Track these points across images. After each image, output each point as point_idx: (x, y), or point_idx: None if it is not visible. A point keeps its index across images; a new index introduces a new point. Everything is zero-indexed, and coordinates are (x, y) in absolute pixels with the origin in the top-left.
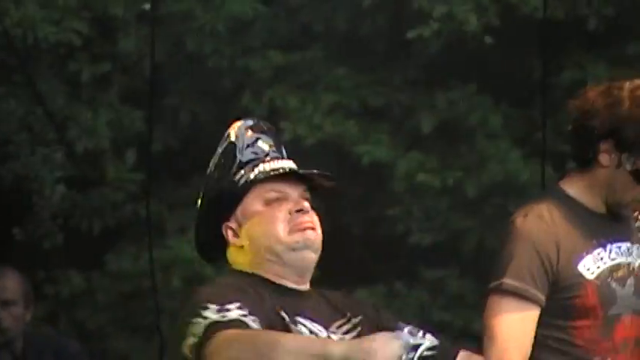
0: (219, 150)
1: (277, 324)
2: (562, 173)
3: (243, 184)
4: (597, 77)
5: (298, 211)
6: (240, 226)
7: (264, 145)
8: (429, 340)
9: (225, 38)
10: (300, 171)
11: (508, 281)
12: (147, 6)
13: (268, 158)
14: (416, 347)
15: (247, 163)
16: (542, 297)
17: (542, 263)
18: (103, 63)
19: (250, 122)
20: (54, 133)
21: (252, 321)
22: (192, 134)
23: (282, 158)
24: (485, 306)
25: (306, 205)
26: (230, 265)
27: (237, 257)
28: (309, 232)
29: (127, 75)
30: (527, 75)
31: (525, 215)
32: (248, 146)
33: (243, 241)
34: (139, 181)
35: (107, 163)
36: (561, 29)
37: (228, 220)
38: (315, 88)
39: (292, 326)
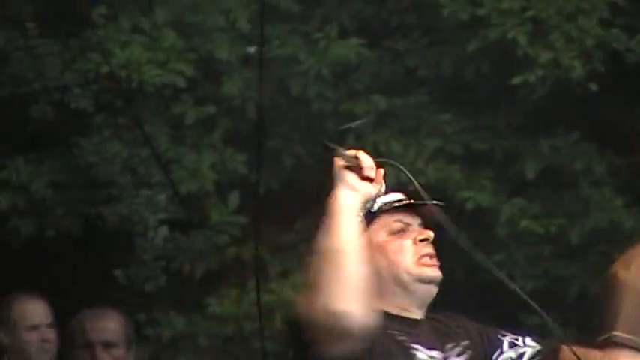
0: None
1: (398, 351)
2: None
3: (368, 215)
4: None
5: (422, 240)
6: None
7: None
8: (530, 347)
9: (329, 82)
10: (422, 202)
11: (619, 334)
12: (252, 49)
13: (388, 191)
14: (520, 356)
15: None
16: None
17: None
18: (207, 105)
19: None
20: (158, 175)
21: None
22: (295, 178)
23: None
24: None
25: (431, 234)
26: None
27: None
28: (434, 269)
29: (231, 118)
30: (631, 123)
31: (627, 267)
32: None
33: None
34: (241, 224)
35: (210, 206)
36: None
37: None
38: (418, 133)
39: (411, 351)
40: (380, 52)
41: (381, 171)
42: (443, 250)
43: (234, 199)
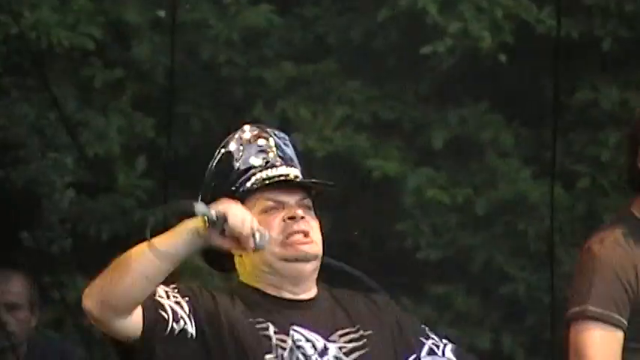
0: (216, 158)
1: (255, 335)
2: (632, 198)
3: (240, 193)
4: (610, 99)
5: (291, 218)
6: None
7: (265, 152)
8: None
9: (239, 48)
10: (296, 179)
11: (592, 308)
12: (162, 13)
13: (268, 165)
14: None
15: (245, 171)
16: (625, 322)
17: (624, 289)
18: (116, 69)
19: (252, 128)
20: (65, 138)
21: (179, 308)
22: (204, 142)
23: (286, 165)
24: (569, 332)
25: (299, 212)
26: (238, 276)
27: (240, 268)
28: (303, 247)
29: (140, 82)
30: (539, 94)
31: (602, 241)
32: (247, 153)
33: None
34: (148, 188)
35: (118, 170)
36: (576, 49)
37: None
38: (327, 101)
39: (282, 336)
40: (290, 19)
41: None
42: (344, 220)
43: (141, 162)
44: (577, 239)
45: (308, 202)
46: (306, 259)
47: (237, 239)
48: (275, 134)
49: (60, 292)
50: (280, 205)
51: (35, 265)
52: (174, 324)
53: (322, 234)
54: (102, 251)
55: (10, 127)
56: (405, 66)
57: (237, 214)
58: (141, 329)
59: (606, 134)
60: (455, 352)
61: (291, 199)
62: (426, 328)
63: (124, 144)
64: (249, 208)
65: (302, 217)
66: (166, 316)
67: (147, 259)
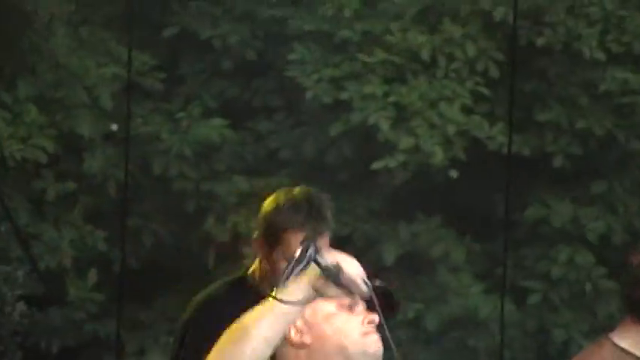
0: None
1: None
2: (615, 323)
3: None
4: (561, 215)
5: (370, 322)
6: (306, 324)
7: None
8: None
9: (191, 161)
10: (372, 284)
11: None
12: (114, 126)
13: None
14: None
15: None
16: None
17: None
18: (68, 182)
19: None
20: (17, 250)
21: None
22: (155, 256)
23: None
24: None
25: (377, 319)
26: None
27: (292, 355)
28: (380, 344)
29: (92, 195)
30: (491, 210)
31: None
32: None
33: (309, 339)
34: (100, 301)
35: (69, 283)
36: (527, 165)
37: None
38: None
39: None
40: (243, 133)
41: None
42: None
43: (92, 275)
44: (527, 355)
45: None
46: (379, 355)
47: (349, 288)
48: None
49: None
50: (355, 305)
51: None
52: None
53: None
54: None
55: None
56: (357, 181)
57: (350, 263)
58: None
59: (557, 250)
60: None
61: (360, 302)
62: None
63: (76, 256)
64: (324, 301)
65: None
66: None
67: (267, 320)
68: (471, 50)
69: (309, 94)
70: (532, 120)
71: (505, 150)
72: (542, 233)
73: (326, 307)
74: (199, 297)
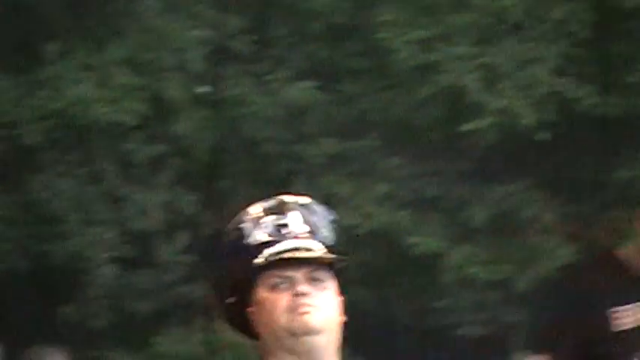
0: (229, 233)
1: None
2: None
3: (251, 271)
4: None
5: (298, 294)
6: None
7: (276, 226)
8: None
9: (280, 124)
10: (299, 255)
11: None
12: (203, 89)
13: (276, 240)
14: None
15: (255, 247)
16: None
17: None
18: (157, 144)
19: (267, 202)
20: (107, 213)
21: None
22: None
23: (297, 237)
24: None
25: (304, 288)
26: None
27: (259, 344)
28: (307, 317)
29: (181, 157)
30: (581, 172)
31: None
32: (257, 229)
33: (258, 328)
34: (189, 263)
35: (159, 245)
36: (618, 127)
37: (250, 305)
38: (368, 177)
39: None
40: (332, 96)
41: None
42: (387, 296)
43: (182, 238)
44: None
45: (319, 274)
46: (314, 330)
47: None
48: (295, 204)
49: None
50: (287, 280)
51: (77, 340)
52: None
53: (345, 305)
54: (143, 326)
55: (52, 201)
56: (446, 143)
57: None
58: None
59: None
60: None
61: (297, 273)
62: None
63: (166, 219)
64: (261, 286)
65: (306, 293)
66: None
67: None
68: (561, 12)
69: (398, 56)
70: (623, 81)
71: (596, 111)
72: (632, 195)
73: (261, 292)
74: None
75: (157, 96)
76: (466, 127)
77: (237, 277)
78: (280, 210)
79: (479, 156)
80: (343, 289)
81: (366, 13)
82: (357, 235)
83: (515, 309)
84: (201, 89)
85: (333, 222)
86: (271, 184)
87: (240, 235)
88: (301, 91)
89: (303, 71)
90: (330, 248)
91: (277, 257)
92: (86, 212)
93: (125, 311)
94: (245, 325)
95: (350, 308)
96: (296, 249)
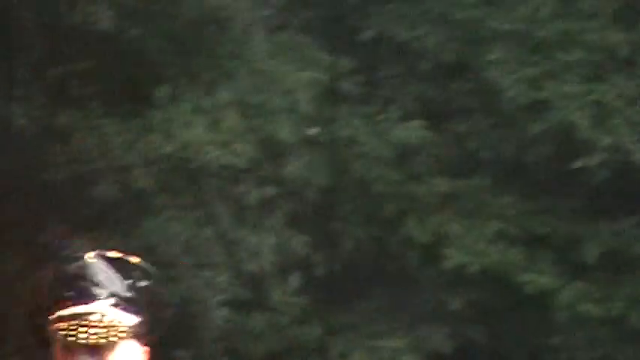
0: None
1: None
2: None
3: (49, 331)
4: None
5: None
6: None
7: (75, 283)
8: None
9: (390, 164)
10: (81, 338)
11: None
12: (313, 131)
13: (74, 297)
14: None
15: (55, 304)
16: None
17: None
18: (268, 186)
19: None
20: (219, 255)
21: None
22: (356, 259)
23: (92, 299)
24: None
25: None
26: None
27: None
28: None
29: (292, 199)
30: None
31: None
32: (57, 285)
33: None
34: (302, 305)
35: (271, 287)
36: None
37: None
38: (479, 216)
39: None
40: (442, 135)
41: None
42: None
43: (294, 279)
44: None
45: (105, 347)
46: None
47: None
48: (100, 259)
49: None
50: (72, 345)
51: None
52: None
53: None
54: None
55: (164, 245)
56: (556, 180)
57: None
58: None
59: None
60: None
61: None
62: None
63: (277, 261)
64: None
65: None
66: None
67: None
68: None
69: (507, 94)
70: None
71: None
72: None
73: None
74: None
75: (267, 138)
76: (577, 164)
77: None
78: (82, 266)
79: (590, 193)
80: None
81: (474, 52)
82: (469, 274)
83: (629, 346)
84: (312, 130)
85: (140, 283)
86: (382, 224)
87: (53, 285)
88: (411, 131)
89: (412, 111)
90: (126, 308)
91: (66, 327)
92: (198, 255)
93: (239, 354)
94: None
95: (463, 346)
96: (89, 318)
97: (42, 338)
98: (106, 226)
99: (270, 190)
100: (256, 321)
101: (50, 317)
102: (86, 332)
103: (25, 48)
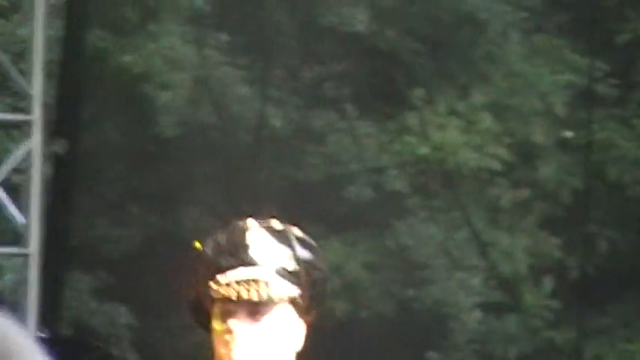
0: (197, 256)
1: None
2: None
3: (208, 298)
4: None
5: (231, 332)
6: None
7: (232, 252)
8: None
9: None
10: (247, 296)
11: None
12: (569, 134)
13: (234, 264)
14: None
15: (216, 272)
16: None
17: None
18: (522, 189)
19: (236, 225)
20: (473, 258)
21: None
22: (611, 262)
23: (245, 265)
24: None
25: (235, 326)
26: None
27: None
28: (235, 355)
29: (547, 201)
30: None
31: None
32: (219, 253)
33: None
34: (556, 308)
35: (525, 290)
36: None
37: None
38: None
39: None
40: None
41: None
42: None
43: (548, 282)
44: None
45: (265, 308)
46: None
47: None
48: (263, 228)
49: None
50: (235, 312)
51: None
52: None
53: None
54: None
55: (417, 247)
56: None
57: None
58: None
59: None
60: None
61: (242, 307)
62: None
63: (531, 263)
64: (214, 315)
65: (241, 331)
66: None
67: None
68: None
69: None
70: None
71: None
72: None
73: (214, 322)
74: None
75: (522, 140)
76: None
77: (200, 302)
78: (242, 233)
79: None
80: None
81: None
82: None
83: None
84: (566, 133)
85: (302, 253)
86: (637, 227)
87: (204, 258)
88: None
89: None
90: (287, 279)
91: (226, 288)
92: (452, 257)
93: (491, 357)
94: None
95: None
96: (251, 280)
97: (202, 310)
98: (358, 226)
99: (524, 193)
100: (509, 324)
101: (211, 282)
102: (248, 290)
103: (280, 49)
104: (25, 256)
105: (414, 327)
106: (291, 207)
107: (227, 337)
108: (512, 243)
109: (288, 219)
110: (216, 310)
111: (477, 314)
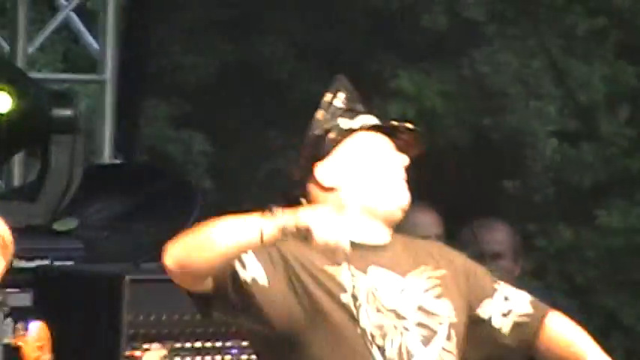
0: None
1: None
2: None
3: (347, 129)
4: None
5: (398, 175)
6: (337, 168)
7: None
8: (520, 307)
9: None
10: (402, 125)
11: None
12: None
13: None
14: (507, 313)
15: (348, 111)
16: None
17: None
18: (599, 17)
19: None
20: (549, 86)
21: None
22: None
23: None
24: None
25: (405, 159)
26: (307, 203)
27: (321, 198)
28: (405, 197)
29: (624, 30)
30: None
31: None
32: (346, 101)
33: (337, 181)
34: (631, 136)
35: (600, 118)
36: None
37: (321, 160)
38: None
39: (360, 274)
40: None
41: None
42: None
43: (624, 111)
44: None
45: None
46: (404, 207)
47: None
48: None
49: (543, 241)
50: (386, 152)
51: (519, 213)
52: (243, 273)
53: None
54: (584, 199)
55: (493, 75)
56: None
57: (323, 226)
58: (212, 284)
59: None
60: (532, 303)
61: (392, 148)
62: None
63: (607, 92)
64: (355, 146)
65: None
66: (235, 267)
67: (251, 229)
68: None
69: None
70: None
71: None
72: None
73: (357, 152)
74: None
75: None
76: None
77: (327, 132)
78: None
79: None
80: None
81: None
82: None
83: None
84: None
85: None
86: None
87: (332, 102)
88: None
89: None
90: None
91: (380, 125)
92: (528, 86)
93: (567, 185)
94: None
95: None
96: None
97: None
98: (434, 55)
99: (600, 21)
100: (585, 152)
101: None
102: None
103: None
104: (101, 82)
105: (489, 155)
106: (365, 34)
107: (384, 169)
108: (588, 71)
109: (360, 49)
110: (361, 144)
111: (553, 142)
